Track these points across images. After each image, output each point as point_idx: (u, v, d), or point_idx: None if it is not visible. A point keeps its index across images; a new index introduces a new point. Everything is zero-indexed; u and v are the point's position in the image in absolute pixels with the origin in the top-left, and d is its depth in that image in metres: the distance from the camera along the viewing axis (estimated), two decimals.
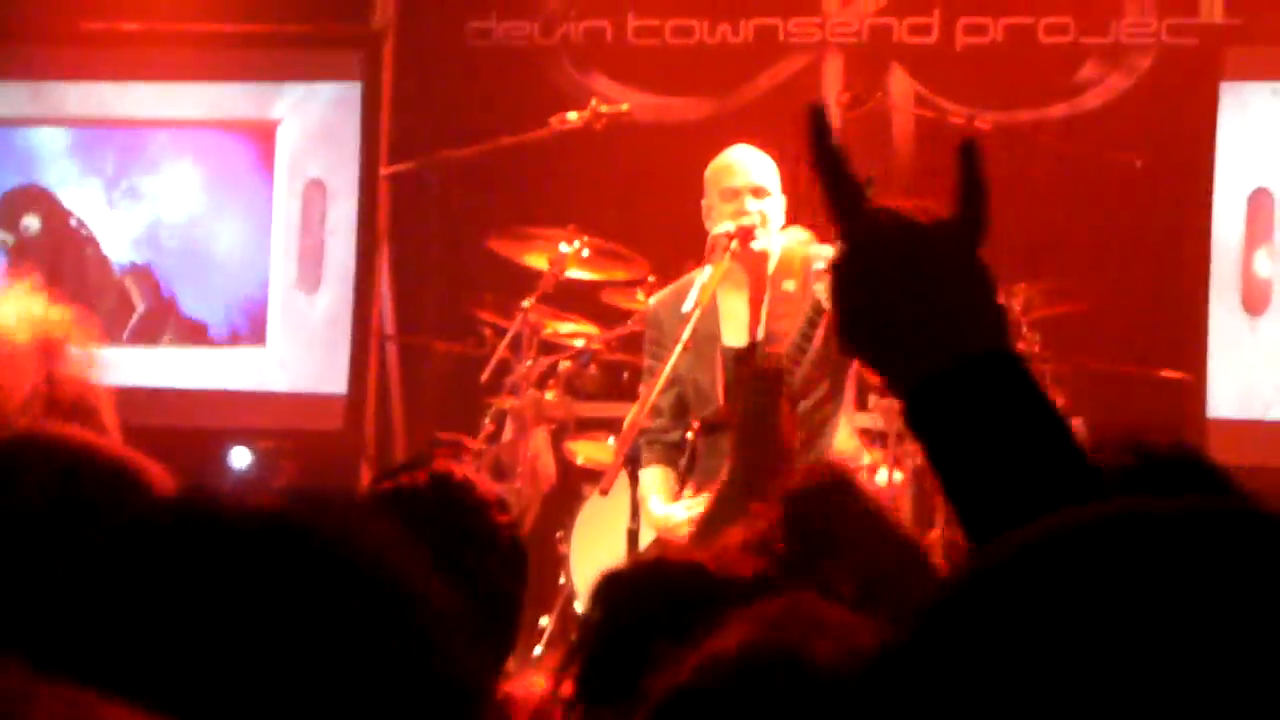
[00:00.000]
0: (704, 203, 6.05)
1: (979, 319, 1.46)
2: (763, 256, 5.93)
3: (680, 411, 6.03)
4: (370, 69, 9.19)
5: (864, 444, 6.42)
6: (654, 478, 6.03)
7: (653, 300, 6.29)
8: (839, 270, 1.49)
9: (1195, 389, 8.02)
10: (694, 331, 5.82)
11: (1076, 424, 7.21)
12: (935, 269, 1.47)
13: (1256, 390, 8.21)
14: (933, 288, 1.46)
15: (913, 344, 1.45)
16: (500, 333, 7.47)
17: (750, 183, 5.96)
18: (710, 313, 5.95)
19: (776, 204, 5.99)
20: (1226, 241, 8.30)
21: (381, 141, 9.12)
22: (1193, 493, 1.73)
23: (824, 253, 5.97)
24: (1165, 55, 8.59)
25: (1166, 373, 7.67)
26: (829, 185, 1.50)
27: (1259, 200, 8.30)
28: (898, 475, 7.07)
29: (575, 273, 7.35)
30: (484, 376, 7.37)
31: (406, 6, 9.31)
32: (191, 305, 9.29)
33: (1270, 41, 8.42)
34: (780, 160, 6.08)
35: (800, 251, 5.93)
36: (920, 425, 1.45)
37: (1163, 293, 8.28)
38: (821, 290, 5.66)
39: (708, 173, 6.10)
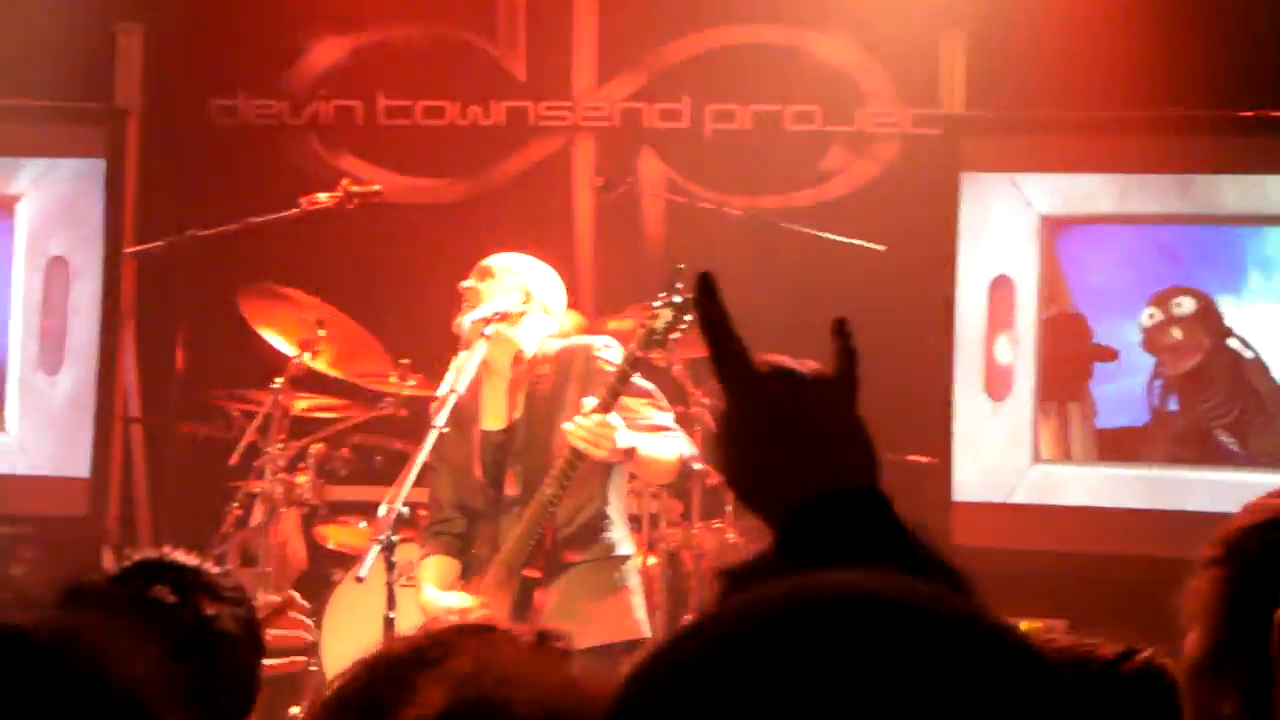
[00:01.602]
0: (465, 289, 6.03)
1: (849, 460, 1.55)
2: (509, 344, 5.93)
3: (460, 502, 5.99)
4: (114, 146, 9.02)
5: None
6: (433, 567, 5.98)
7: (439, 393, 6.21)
8: (724, 421, 1.58)
9: (941, 472, 8.18)
10: (459, 416, 5.80)
11: None
12: (813, 415, 1.58)
13: (1000, 474, 8.41)
14: (809, 433, 1.56)
15: (790, 480, 1.53)
16: (248, 415, 7.36)
17: (500, 268, 5.99)
18: (472, 396, 5.93)
19: (536, 298, 5.98)
20: (969, 328, 8.50)
21: (126, 219, 8.95)
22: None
23: (587, 341, 5.99)
24: (908, 144, 8.79)
25: (913, 457, 7.80)
26: (714, 345, 1.60)
27: (1000, 287, 8.52)
28: (651, 560, 7.10)
29: (321, 367, 7.27)
30: (233, 459, 7.25)
31: (151, 83, 9.16)
32: None
33: (1009, 133, 8.66)
34: (543, 246, 6.10)
35: (553, 343, 5.94)
36: (792, 555, 1.50)
37: (908, 378, 8.41)
38: (583, 436, 5.64)
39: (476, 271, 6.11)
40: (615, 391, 5.63)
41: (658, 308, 5.64)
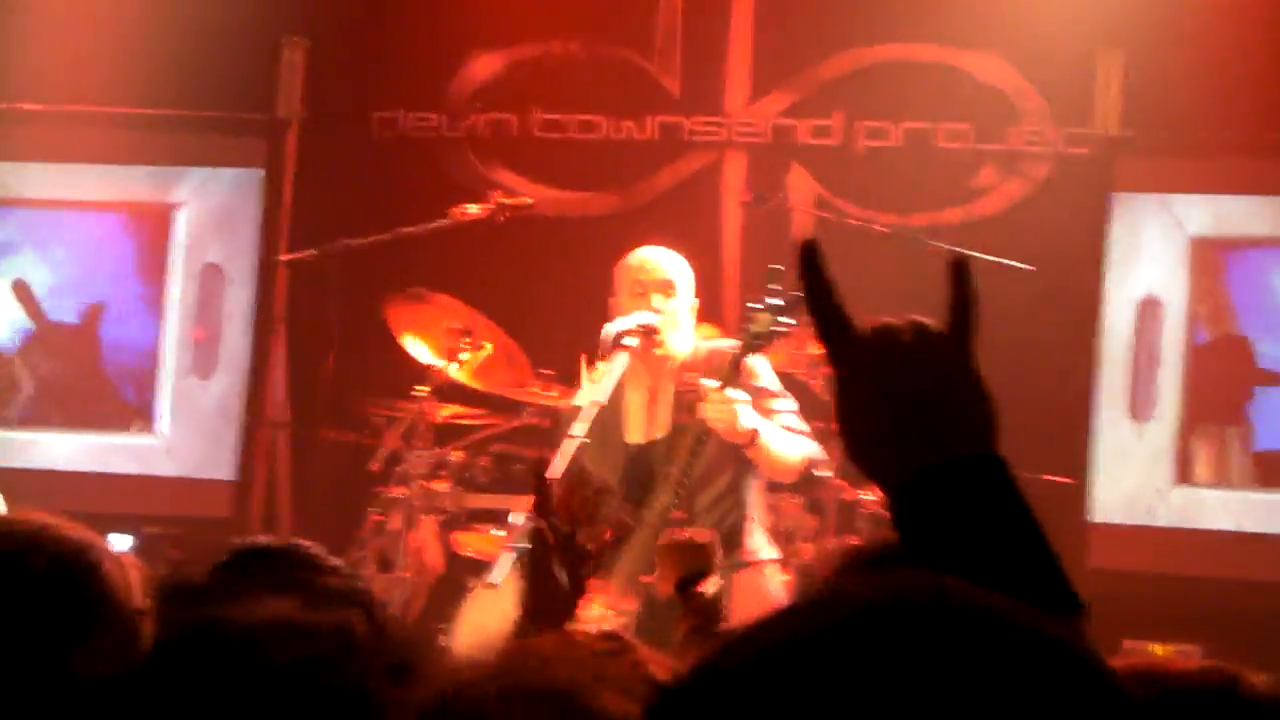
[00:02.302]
0: (612, 300, 6.06)
1: (965, 424, 1.51)
2: (666, 356, 5.92)
3: None
4: (273, 156, 9.22)
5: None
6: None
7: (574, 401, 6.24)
8: (836, 393, 1.54)
9: (1081, 493, 8.10)
10: (602, 428, 5.83)
11: None
12: (922, 379, 1.52)
13: (1140, 496, 8.31)
14: (921, 397, 1.51)
15: (904, 449, 1.49)
16: (391, 422, 7.46)
17: (656, 279, 5.97)
18: (615, 410, 5.95)
19: (685, 303, 5.99)
20: (1115, 348, 8.41)
21: (282, 229, 9.13)
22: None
23: (727, 347, 6.00)
24: (1060, 164, 8.72)
25: (1053, 476, 7.74)
26: (818, 316, 1.55)
27: (1148, 309, 8.42)
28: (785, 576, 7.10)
29: (466, 379, 7.35)
30: (374, 465, 7.36)
31: (313, 95, 9.34)
32: (83, 388, 9.24)
33: (1161, 154, 8.57)
34: (691, 260, 6.11)
35: (706, 348, 5.96)
36: (903, 522, 1.48)
37: (1053, 397, 8.35)
38: (710, 411, 5.67)
39: (617, 270, 6.10)
40: (729, 379, 5.65)
41: (755, 310, 5.66)
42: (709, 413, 5.64)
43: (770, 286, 5.67)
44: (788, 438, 5.81)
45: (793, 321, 5.59)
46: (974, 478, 1.46)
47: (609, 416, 5.91)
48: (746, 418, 5.65)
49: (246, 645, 1.84)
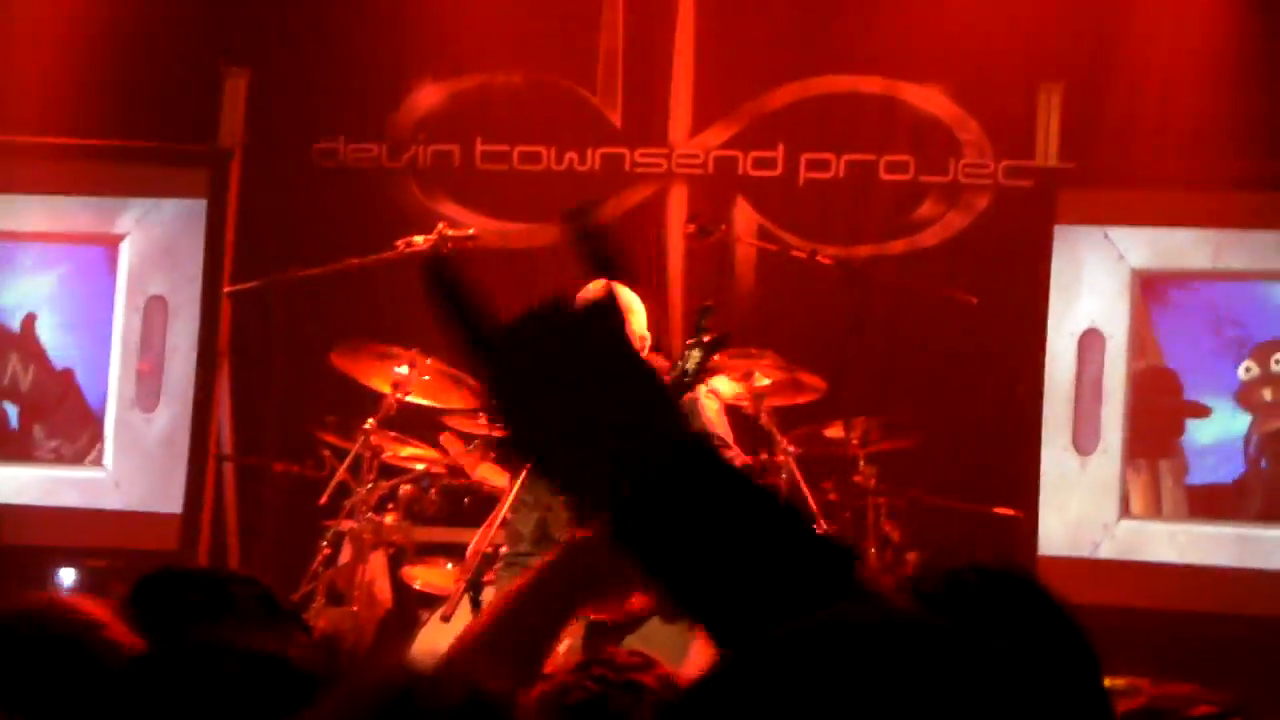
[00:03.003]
0: None
1: (652, 417, 1.39)
2: None
3: (541, 537, 5.99)
4: (216, 187, 9.18)
5: None
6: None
7: None
8: (492, 405, 1.41)
9: (1027, 526, 8.15)
10: None
11: (911, 559, 7.32)
12: (574, 358, 1.40)
13: (1085, 529, 8.36)
14: (584, 382, 1.39)
15: (594, 459, 1.38)
16: (340, 455, 7.44)
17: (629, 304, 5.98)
18: None
19: (633, 334, 5.99)
20: (1058, 381, 8.48)
21: (225, 259, 9.10)
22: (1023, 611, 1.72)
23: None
24: (1002, 196, 8.79)
25: (999, 509, 7.79)
26: (455, 324, 1.44)
27: (1090, 341, 8.49)
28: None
29: (415, 399, 7.34)
30: (322, 499, 7.33)
31: (254, 126, 9.31)
32: (25, 420, 9.17)
33: (1102, 186, 8.64)
34: (635, 290, 6.10)
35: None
36: (632, 540, 1.38)
37: (997, 430, 8.41)
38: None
39: None
40: None
41: (688, 349, 5.68)
42: None
43: (700, 323, 5.70)
44: None
45: (716, 358, 5.62)
46: (688, 476, 1.37)
47: None
48: None
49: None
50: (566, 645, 5.83)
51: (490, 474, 7.11)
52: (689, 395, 5.93)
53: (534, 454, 1.41)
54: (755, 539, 1.38)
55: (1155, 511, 8.40)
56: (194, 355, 9.02)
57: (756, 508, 1.38)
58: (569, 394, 1.38)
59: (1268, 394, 8.33)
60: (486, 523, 5.91)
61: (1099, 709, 0.98)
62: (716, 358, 5.65)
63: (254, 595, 2.71)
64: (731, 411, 6.47)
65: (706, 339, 5.64)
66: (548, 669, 2.77)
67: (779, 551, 1.38)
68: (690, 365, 5.64)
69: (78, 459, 9.06)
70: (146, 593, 2.64)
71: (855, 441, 7.34)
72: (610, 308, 1.42)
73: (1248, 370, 8.34)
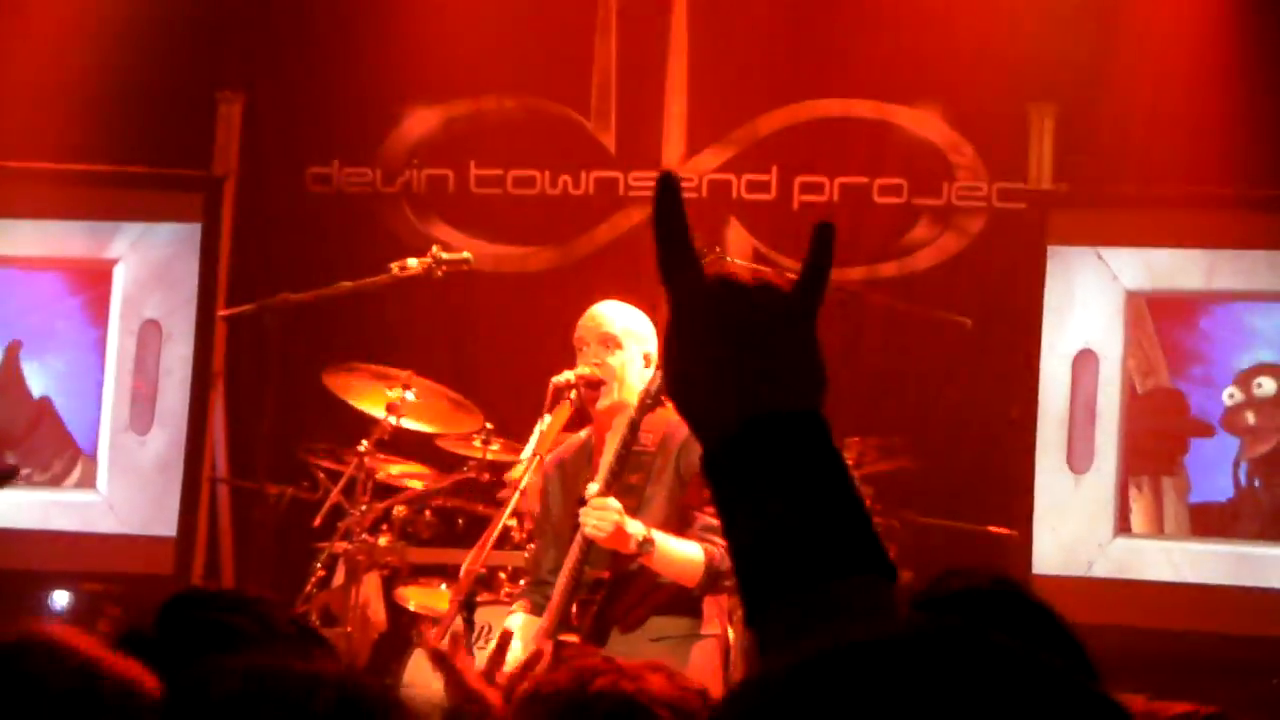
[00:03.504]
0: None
1: (794, 381, 1.46)
2: (610, 410, 5.86)
3: (556, 567, 5.90)
4: (210, 211, 9.20)
5: None
6: (517, 622, 5.90)
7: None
8: (668, 333, 1.50)
9: (1021, 544, 8.15)
10: (565, 483, 5.81)
11: (905, 578, 7.32)
12: (756, 330, 1.48)
13: (1079, 548, 8.36)
14: (752, 347, 1.47)
15: (726, 397, 1.45)
16: (334, 478, 7.44)
17: (599, 333, 5.92)
18: (584, 461, 5.90)
19: (632, 355, 5.92)
20: (1052, 401, 8.49)
21: (220, 283, 9.11)
22: (1010, 620, 1.72)
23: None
24: (995, 218, 8.80)
25: (993, 528, 7.79)
26: (664, 245, 1.51)
27: (1084, 361, 8.50)
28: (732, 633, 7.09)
29: (410, 423, 7.33)
30: (316, 521, 7.33)
31: (249, 151, 9.33)
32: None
33: (1094, 207, 8.67)
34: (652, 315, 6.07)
35: (665, 413, 5.84)
36: (716, 476, 1.44)
37: (991, 450, 8.42)
38: (587, 519, 5.59)
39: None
40: (615, 472, 5.58)
41: (655, 369, 5.67)
42: (583, 520, 5.56)
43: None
44: (686, 545, 5.69)
45: None
46: (794, 433, 1.42)
47: (575, 468, 5.89)
48: (632, 525, 5.56)
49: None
50: (541, 663, 5.81)
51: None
52: (669, 416, 5.87)
53: (679, 392, 1.49)
54: (826, 522, 1.41)
55: (1158, 529, 8.40)
56: (188, 379, 9.03)
57: (839, 498, 1.42)
58: (730, 355, 1.46)
59: (1251, 418, 8.35)
60: (479, 544, 5.88)
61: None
62: None
63: (287, 618, 2.68)
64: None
65: None
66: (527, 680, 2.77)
67: (842, 542, 1.40)
68: (654, 386, 5.63)
69: (54, 484, 9.06)
70: (174, 617, 2.60)
71: (850, 462, 7.34)
72: (808, 297, 1.51)
73: (1231, 396, 8.36)
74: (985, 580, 2.21)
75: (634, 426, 5.63)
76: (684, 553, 5.60)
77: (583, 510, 5.56)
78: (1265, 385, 8.34)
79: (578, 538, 5.66)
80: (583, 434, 5.94)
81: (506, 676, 4.91)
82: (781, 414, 1.44)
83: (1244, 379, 8.35)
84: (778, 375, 1.46)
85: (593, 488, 5.59)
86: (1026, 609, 2.21)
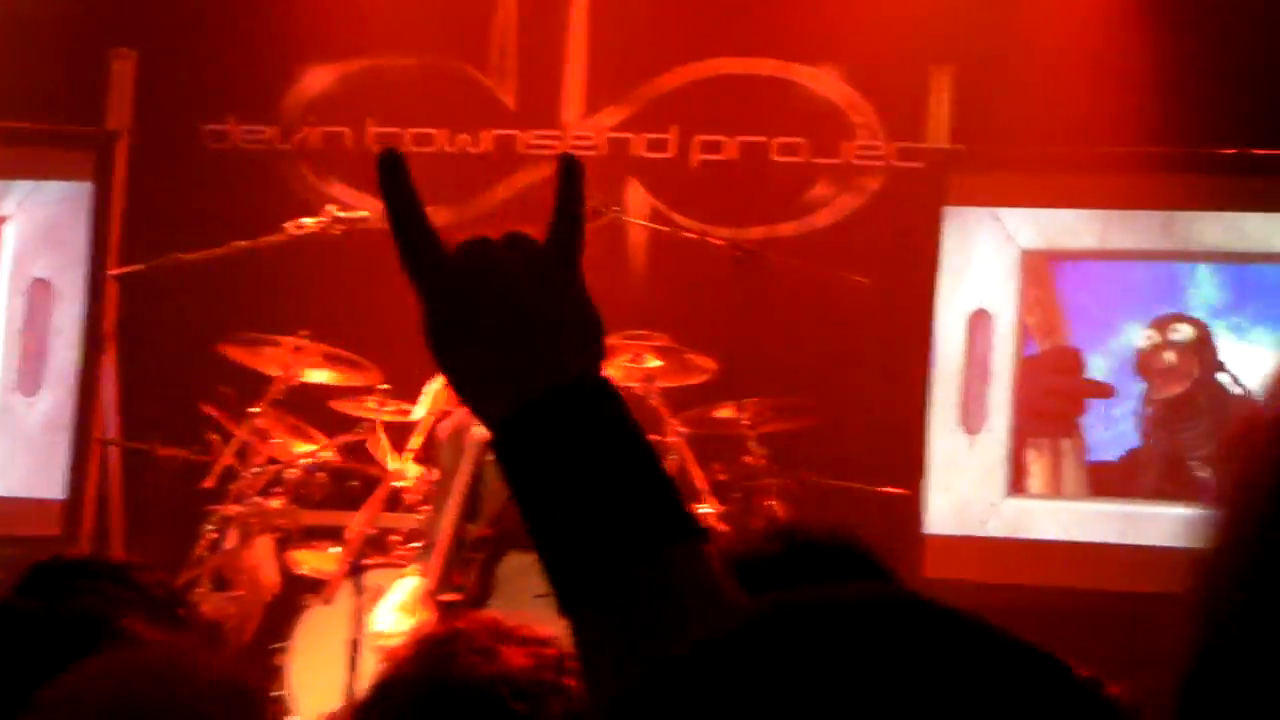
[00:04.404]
0: None
1: (566, 347, 1.41)
2: None
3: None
4: (102, 169, 9.07)
5: None
6: (407, 586, 5.92)
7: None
8: (425, 320, 1.44)
9: (914, 505, 8.19)
10: (455, 439, 5.82)
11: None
12: (516, 298, 1.42)
13: (972, 507, 8.41)
14: (516, 319, 1.41)
15: (498, 382, 1.39)
16: (228, 439, 7.38)
17: None
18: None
19: None
20: (947, 361, 8.52)
21: (111, 242, 9.00)
22: (848, 577, 1.71)
23: None
24: (893, 178, 8.82)
25: (887, 489, 7.82)
26: (398, 230, 1.46)
27: (979, 321, 8.54)
28: None
29: (308, 376, 7.29)
30: (208, 483, 7.27)
31: (142, 108, 9.22)
32: None
33: (992, 168, 8.69)
34: None
35: None
36: (506, 457, 1.38)
37: (886, 410, 8.44)
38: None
39: None
40: None
41: None
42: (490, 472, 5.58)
43: None
44: None
45: None
46: (574, 407, 1.37)
47: (472, 428, 5.90)
48: None
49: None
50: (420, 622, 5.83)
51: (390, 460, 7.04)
52: None
53: (455, 379, 1.44)
54: (624, 497, 1.35)
55: (1055, 490, 8.46)
56: (78, 339, 8.92)
57: (631, 465, 1.36)
58: (500, 325, 1.40)
59: (1169, 358, 8.39)
60: (367, 505, 5.87)
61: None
62: None
63: (155, 581, 2.65)
64: (623, 393, 6.44)
65: None
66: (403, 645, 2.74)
67: (643, 515, 1.35)
68: None
69: None
70: (39, 583, 2.58)
71: (746, 422, 7.34)
72: (564, 249, 1.45)
73: (1149, 338, 8.40)
74: (824, 536, 2.17)
75: None
76: None
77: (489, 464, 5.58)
78: (1183, 330, 8.40)
79: (454, 495, 5.66)
80: (430, 387, 5.92)
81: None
82: (556, 388, 1.37)
83: (1162, 324, 8.40)
84: (544, 344, 1.40)
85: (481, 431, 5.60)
86: (866, 567, 2.17)
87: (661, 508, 1.37)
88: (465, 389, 1.44)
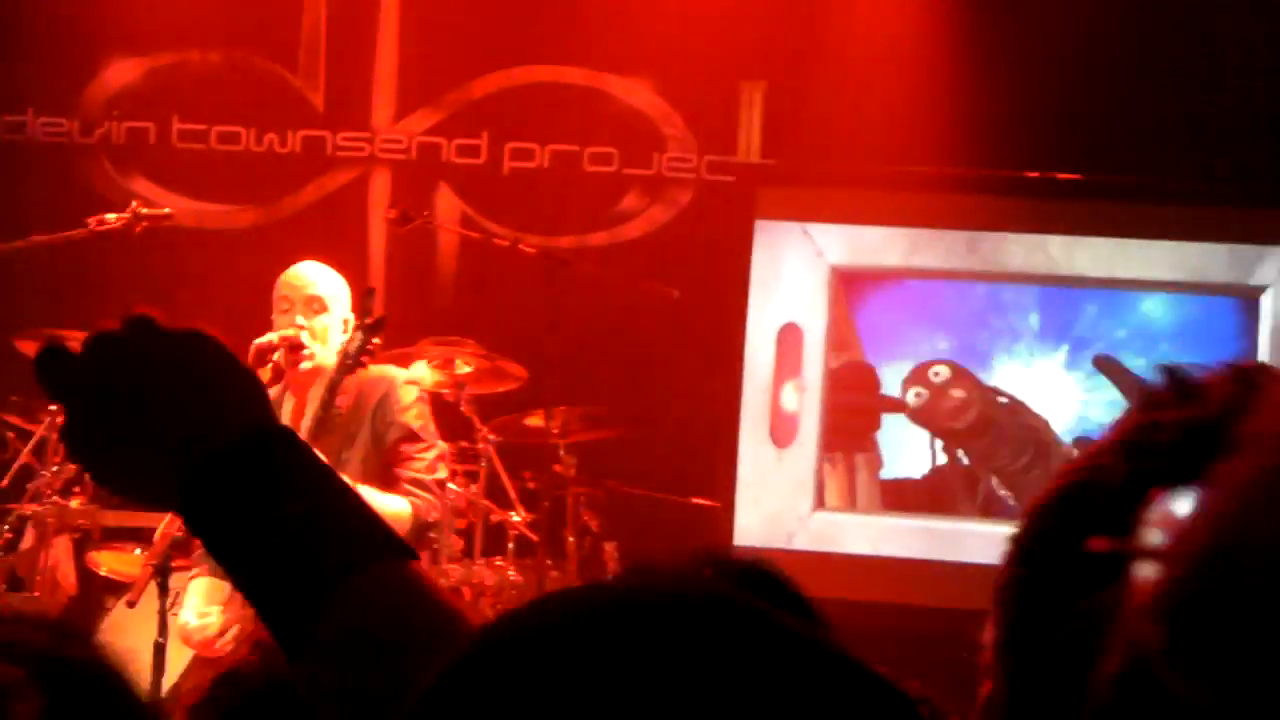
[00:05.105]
0: (272, 316, 5.98)
1: (216, 411, 1.36)
2: (313, 372, 5.86)
3: None
4: None
5: None
6: (201, 588, 5.89)
7: None
8: (67, 433, 1.38)
9: (724, 516, 8.23)
10: None
11: (609, 548, 7.33)
12: (146, 371, 1.37)
13: (780, 520, 8.48)
14: (148, 395, 1.36)
15: (156, 463, 1.35)
16: (25, 437, 7.20)
17: (304, 295, 5.90)
18: None
19: (335, 318, 5.93)
20: (757, 374, 8.57)
21: None
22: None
23: (391, 374, 5.97)
24: (704, 190, 8.86)
25: (697, 500, 7.85)
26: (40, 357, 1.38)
27: (788, 335, 8.60)
28: None
29: None
30: (4, 481, 7.10)
31: None
32: None
33: (802, 183, 8.77)
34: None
35: (362, 374, 5.85)
36: (197, 529, 1.34)
37: (696, 421, 8.47)
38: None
39: (275, 285, 6.03)
40: (314, 435, 5.57)
41: (354, 330, 5.72)
42: None
43: (365, 306, 5.77)
44: (391, 500, 5.71)
45: (378, 341, 5.67)
46: (244, 463, 1.33)
47: None
48: None
49: None
50: (235, 631, 5.76)
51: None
52: (391, 379, 5.90)
53: (123, 474, 1.39)
54: (314, 536, 1.33)
55: (850, 504, 8.54)
56: None
57: (322, 502, 1.35)
58: (128, 403, 1.35)
59: (958, 394, 8.53)
60: None
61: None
62: (378, 339, 5.69)
63: None
64: (432, 399, 6.43)
65: (369, 321, 5.69)
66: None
67: (338, 547, 1.33)
68: (353, 347, 5.65)
69: None
70: None
71: (556, 431, 7.32)
72: (144, 318, 1.37)
73: (918, 395, 8.53)
74: (742, 564, 2.15)
75: (333, 388, 5.64)
76: (389, 508, 5.62)
77: None
78: (942, 373, 8.54)
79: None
80: (271, 393, 5.83)
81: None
82: (218, 451, 1.33)
83: (919, 374, 8.53)
84: (194, 415, 1.35)
85: None
86: (784, 595, 2.16)
87: (356, 536, 1.34)
88: (134, 482, 1.39)
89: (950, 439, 8.54)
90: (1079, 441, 8.35)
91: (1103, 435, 1.16)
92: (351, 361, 5.68)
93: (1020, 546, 1.15)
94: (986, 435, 8.50)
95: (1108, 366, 8.38)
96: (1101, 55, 8.41)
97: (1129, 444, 1.11)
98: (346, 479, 1.39)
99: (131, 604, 5.74)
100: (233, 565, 1.34)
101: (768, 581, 2.15)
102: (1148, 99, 8.43)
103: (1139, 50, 8.44)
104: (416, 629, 1.30)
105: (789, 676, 0.93)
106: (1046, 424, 8.47)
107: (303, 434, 5.45)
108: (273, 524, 1.32)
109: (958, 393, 8.51)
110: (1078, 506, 1.12)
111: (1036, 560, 1.13)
